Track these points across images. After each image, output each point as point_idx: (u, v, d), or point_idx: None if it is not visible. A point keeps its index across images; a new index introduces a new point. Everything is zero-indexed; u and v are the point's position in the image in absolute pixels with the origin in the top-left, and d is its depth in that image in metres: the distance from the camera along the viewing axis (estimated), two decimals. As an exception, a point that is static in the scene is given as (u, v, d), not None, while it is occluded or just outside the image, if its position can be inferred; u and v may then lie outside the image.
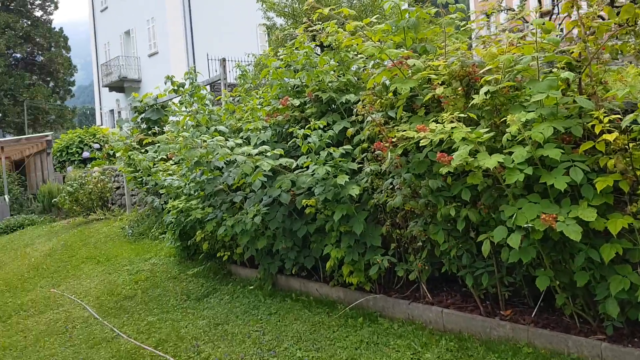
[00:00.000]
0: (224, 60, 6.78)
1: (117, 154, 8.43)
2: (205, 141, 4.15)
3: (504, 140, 2.90)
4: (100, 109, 30.47)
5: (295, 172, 4.38)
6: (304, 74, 4.67)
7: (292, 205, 4.62)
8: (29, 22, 33.64)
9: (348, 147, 4.19)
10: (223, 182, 5.12)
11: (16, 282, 7.64)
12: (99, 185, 10.16)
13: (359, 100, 4.39)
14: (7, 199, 13.94)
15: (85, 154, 15.91)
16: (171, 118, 9.03)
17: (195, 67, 6.05)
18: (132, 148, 8.26)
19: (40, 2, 34.93)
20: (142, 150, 8.07)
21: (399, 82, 3.48)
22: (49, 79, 35.60)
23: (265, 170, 4.16)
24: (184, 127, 5.46)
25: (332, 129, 4.36)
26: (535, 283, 3.17)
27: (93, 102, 35.48)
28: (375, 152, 3.90)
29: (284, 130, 4.96)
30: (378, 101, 3.94)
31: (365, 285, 4.30)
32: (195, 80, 5.96)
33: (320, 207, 4.26)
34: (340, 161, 4.10)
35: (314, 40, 5.03)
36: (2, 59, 30.00)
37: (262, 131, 4.74)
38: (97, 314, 5.52)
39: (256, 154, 4.18)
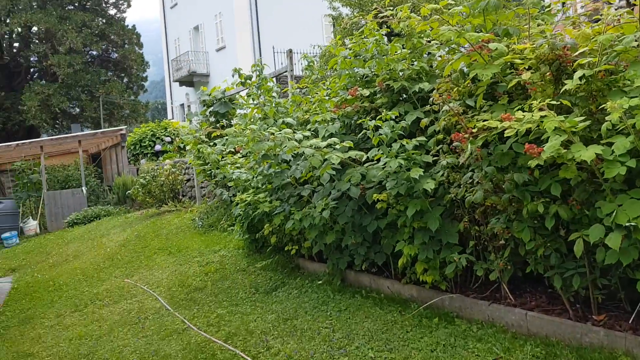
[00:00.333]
0: (290, 51, 6.68)
1: (187, 147, 8.56)
2: (272, 134, 4.06)
3: (603, 129, 2.60)
4: (172, 103, 31.42)
5: (365, 165, 4.21)
6: (374, 63, 4.47)
7: (362, 199, 4.45)
8: (104, 21, 34.98)
9: (422, 138, 3.97)
10: (291, 176, 5.03)
11: (92, 272, 7.94)
12: (170, 177, 10.41)
13: (433, 89, 4.16)
14: (84, 191, 14.59)
15: (158, 147, 16.39)
16: (239, 111, 9.09)
17: (261, 59, 5.98)
18: (201, 141, 8.37)
19: (114, 0, 36.31)
20: (211, 144, 8.16)
21: (479, 68, 3.23)
22: (123, 74, 36.94)
23: (334, 164, 4.02)
24: (252, 120, 5.40)
25: (404, 120, 4.15)
26: (635, 286, 2.85)
27: (165, 96, 36.65)
28: (453, 144, 3.66)
29: (352, 121, 4.79)
30: (455, 89, 3.70)
31: (440, 284, 4.08)
32: (262, 72, 5.90)
33: (392, 202, 4.07)
34: (413, 153, 3.89)
35: (383, 27, 4.83)
36: (79, 56, 31.37)
37: (330, 123, 4.59)
38: (168, 305, 5.60)
39: (324, 147, 4.05)
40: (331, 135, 4.52)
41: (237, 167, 6.39)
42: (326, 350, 3.82)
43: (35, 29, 32.11)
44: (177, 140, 16.04)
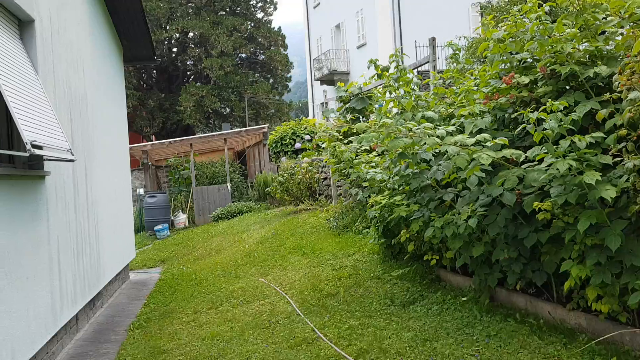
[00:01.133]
0: (433, 39, 6.08)
1: (323, 145, 8.34)
2: (410, 129, 3.54)
3: None
4: (312, 101, 32.02)
5: (523, 166, 3.52)
6: (535, 44, 3.74)
7: (518, 207, 3.76)
8: (252, 24, 36.59)
9: (598, 134, 3.20)
10: (431, 177, 4.46)
11: (230, 268, 8.03)
12: (307, 175, 10.32)
13: (612, 74, 3.35)
14: (229, 187, 15.20)
15: (298, 145, 16.61)
16: (376, 107, 8.66)
17: (402, 48, 5.46)
18: (336, 139, 8.08)
19: (261, 4, 37.90)
20: (345, 141, 7.83)
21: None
22: (269, 75, 38.38)
23: (483, 164, 3.40)
24: (388, 115, 4.92)
25: (574, 112, 3.39)
26: None
27: (306, 97, 37.51)
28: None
29: (506, 115, 4.10)
30: (648, 71, 2.89)
31: (619, 316, 3.27)
32: (402, 62, 5.39)
33: (557, 212, 3.35)
34: (586, 153, 3.15)
35: (544, 5, 4.06)
36: (230, 58, 33.14)
37: (479, 117, 3.95)
38: (299, 310, 5.35)
39: (472, 144, 3.44)
40: (480, 131, 3.88)
41: (372, 167, 5.95)
42: (472, 386, 3.24)
43: (191, 34, 34.58)
44: (316, 138, 16.11)
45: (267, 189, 11.43)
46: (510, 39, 4.06)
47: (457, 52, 5.48)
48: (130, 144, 12.18)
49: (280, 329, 4.99)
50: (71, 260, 5.55)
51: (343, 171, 7.19)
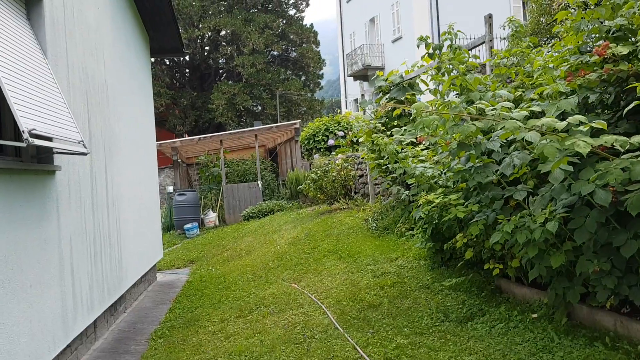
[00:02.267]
0: (490, 17, 5.35)
1: (360, 139, 7.67)
2: (482, 111, 2.85)
3: None
4: (345, 97, 31.35)
5: (626, 156, 2.80)
6: (636, 7, 3.01)
7: (611, 208, 3.04)
8: (284, 21, 36.17)
9: None
10: (498, 172, 3.75)
11: (261, 271, 7.45)
12: (342, 173, 9.65)
13: None
14: (260, 185, 14.66)
15: (331, 142, 15.97)
16: (418, 98, 7.96)
17: (453, 25, 4.75)
18: (377, 130, 7.42)
19: (293, 1, 37.40)
20: (387, 133, 7.16)
21: None
22: (300, 73, 37.91)
23: (578, 154, 2.69)
24: (444, 97, 4.22)
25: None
26: None
27: (339, 94, 36.87)
28: None
29: (598, 95, 3.36)
30: None
31: None
32: (455, 41, 4.69)
33: (675, 214, 2.62)
34: None
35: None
36: (261, 56, 32.76)
37: (562, 97, 3.23)
38: (338, 323, 4.71)
39: (563, 129, 2.73)
40: (564, 115, 3.17)
41: (421, 161, 5.27)
42: None
43: (223, 32, 34.33)
44: (350, 134, 15.45)
45: (300, 186, 10.79)
46: (597, 5, 3.33)
47: (520, 28, 4.75)
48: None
49: (317, 345, 4.37)
50: (87, 263, 5.04)
51: (384, 167, 6.52)
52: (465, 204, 4.29)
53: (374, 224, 7.44)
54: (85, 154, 4.47)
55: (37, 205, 3.95)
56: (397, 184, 7.14)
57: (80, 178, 4.94)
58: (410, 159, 5.34)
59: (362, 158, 8.61)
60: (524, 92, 3.83)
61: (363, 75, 26.52)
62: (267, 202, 13.84)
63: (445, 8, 22.31)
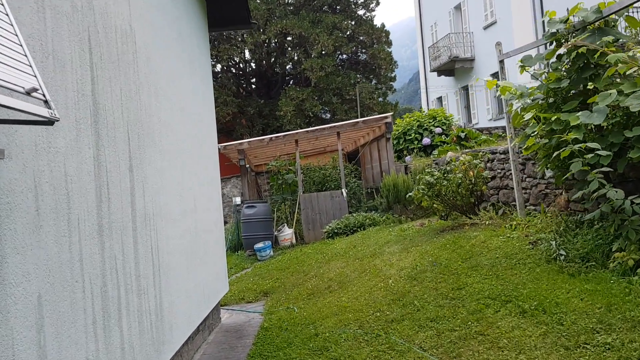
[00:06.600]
0: None
1: (524, 117, 4.92)
2: None
3: None
4: (427, 95, 28.45)
5: None
6: None
7: None
8: (353, 22, 34.08)
9: None
10: None
11: (374, 324, 4.83)
12: (469, 173, 6.86)
13: None
14: (344, 194, 12.03)
15: (426, 141, 13.21)
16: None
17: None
18: (547, 105, 4.68)
19: (362, 0, 35.14)
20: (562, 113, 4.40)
21: None
22: (371, 76, 35.68)
23: None
24: None
25: None
26: None
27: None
28: None
29: None
30: None
31: None
32: None
33: None
34: None
35: None
36: (330, 59, 30.73)
37: None
38: None
39: None
40: None
41: None
42: None
43: (289, 38, 32.54)
44: (453, 129, 12.64)
45: (409, 194, 7.98)
46: None
47: None
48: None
49: None
50: (82, 338, 2.60)
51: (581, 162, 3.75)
52: None
53: (561, 251, 4.58)
54: (50, 122, 2.00)
55: None
56: (601, 186, 4.31)
57: (66, 175, 2.53)
58: None
59: (516, 147, 5.84)
60: None
61: (449, 69, 23.55)
62: (355, 215, 11.20)
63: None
